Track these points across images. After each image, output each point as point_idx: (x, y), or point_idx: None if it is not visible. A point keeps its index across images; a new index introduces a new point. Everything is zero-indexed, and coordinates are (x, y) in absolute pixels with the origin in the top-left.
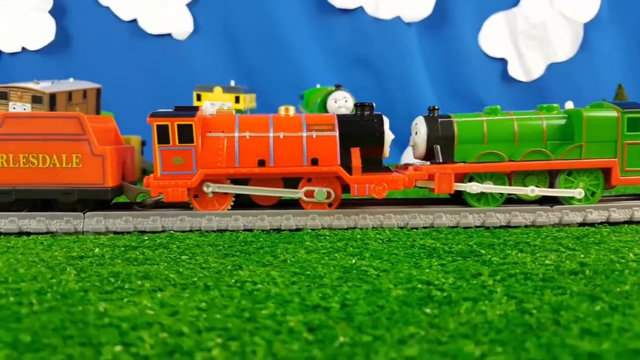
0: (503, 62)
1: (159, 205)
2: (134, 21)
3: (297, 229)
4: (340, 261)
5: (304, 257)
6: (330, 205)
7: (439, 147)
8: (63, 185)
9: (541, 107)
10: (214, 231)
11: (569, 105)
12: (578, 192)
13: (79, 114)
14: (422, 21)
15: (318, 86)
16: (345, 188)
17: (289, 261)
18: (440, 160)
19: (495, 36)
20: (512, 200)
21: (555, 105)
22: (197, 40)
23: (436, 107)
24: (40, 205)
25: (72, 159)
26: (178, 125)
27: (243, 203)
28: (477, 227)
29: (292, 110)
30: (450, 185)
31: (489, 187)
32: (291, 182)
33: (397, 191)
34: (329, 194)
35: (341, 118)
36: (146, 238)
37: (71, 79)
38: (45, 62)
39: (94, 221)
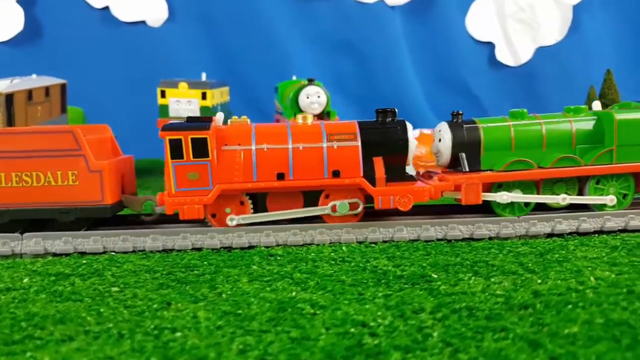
0: (490, 46)
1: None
2: (106, 8)
3: (250, 247)
4: (280, 293)
5: (244, 288)
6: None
7: (464, 155)
8: (60, 204)
9: (568, 109)
10: (160, 251)
11: (597, 105)
12: (610, 200)
13: (73, 128)
14: (407, 4)
15: (294, 78)
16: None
17: (224, 295)
18: (467, 169)
19: (482, 19)
20: (480, 210)
21: (583, 106)
22: (172, 27)
23: (460, 112)
24: (35, 226)
25: (67, 176)
26: (192, 139)
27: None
28: (438, 239)
29: (310, 118)
30: (477, 195)
31: (519, 197)
32: (311, 194)
33: None
34: (353, 205)
35: (362, 126)
36: (84, 262)
37: (34, 75)
38: (14, 53)
39: (33, 242)
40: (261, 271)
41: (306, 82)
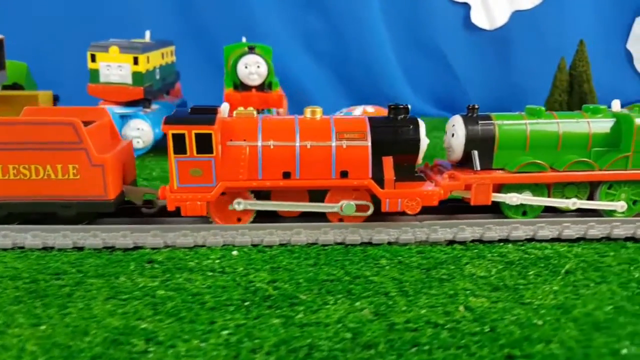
0: (466, 7)
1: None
2: None
3: (136, 247)
4: (127, 319)
5: (94, 309)
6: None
7: (476, 153)
8: (60, 198)
9: (587, 109)
10: (41, 249)
11: (616, 105)
12: (620, 206)
13: (74, 121)
14: None
15: (244, 40)
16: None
17: (69, 318)
18: (478, 168)
19: None
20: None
21: (602, 107)
22: None
23: (476, 106)
24: (35, 219)
25: (68, 170)
26: (196, 134)
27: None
28: (337, 243)
29: (318, 112)
30: (487, 196)
31: (529, 199)
32: (316, 193)
33: None
34: (361, 207)
35: (373, 123)
36: None
37: None
38: None
39: None
40: (126, 284)
41: (246, 50)
